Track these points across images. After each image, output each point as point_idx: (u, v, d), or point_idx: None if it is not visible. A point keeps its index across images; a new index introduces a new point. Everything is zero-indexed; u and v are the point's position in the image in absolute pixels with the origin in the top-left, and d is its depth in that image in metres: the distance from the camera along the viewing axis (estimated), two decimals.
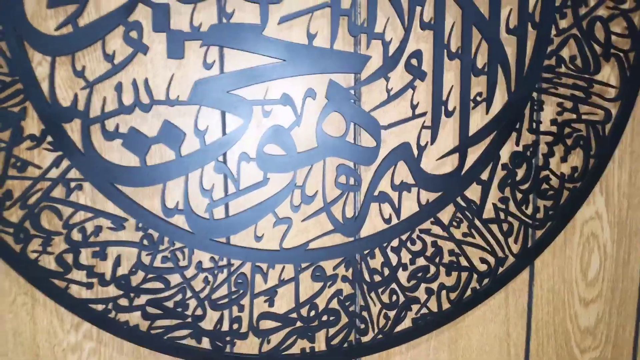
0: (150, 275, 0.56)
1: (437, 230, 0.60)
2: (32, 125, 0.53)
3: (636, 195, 0.63)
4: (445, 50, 0.57)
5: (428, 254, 0.60)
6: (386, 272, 0.59)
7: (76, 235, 0.54)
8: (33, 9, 0.51)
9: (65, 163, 0.53)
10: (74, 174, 0.54)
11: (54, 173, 0.53)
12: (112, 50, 0.52)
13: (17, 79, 0.52)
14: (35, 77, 0.52)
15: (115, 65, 0.53)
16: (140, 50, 0.53)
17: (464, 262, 0.60)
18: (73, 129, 0.53)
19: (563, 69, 0.59)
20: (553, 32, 0.58)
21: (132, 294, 0.56)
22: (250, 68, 0.54)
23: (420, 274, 0.60)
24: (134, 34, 0.52)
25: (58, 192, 0.54)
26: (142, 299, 0.56)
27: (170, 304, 0.56)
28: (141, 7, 0.52)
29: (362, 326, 0.60)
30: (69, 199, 0.54)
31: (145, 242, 0.55)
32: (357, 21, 0.55)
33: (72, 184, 0.54)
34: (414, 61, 0.57)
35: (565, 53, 0.59)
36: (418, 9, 0.55)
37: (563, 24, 0.58)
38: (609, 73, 0.60)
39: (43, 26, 0.52)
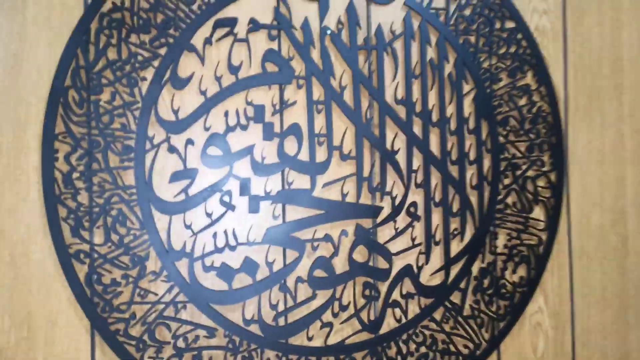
0: None
1: (433, 325, 0.84)
2: (152, 264, 0.75)
3: (565, 295, 0.91)
4: (432, 201, 0.84)
5: (427, 343, 0.84)
6: (399, 359, 0.82)
7: (180, 343, 0.75)
8: (158, 182, 0.75)
9: (175, 290, 0.75)
10: (181, 297, 0.75)
11: (166, 298, 0.75)
12: (211, 210, 0.76)
13: (145, 232, 0.74)
14: (157, 230, 0.75)
15: (213, 220, 0.76)
16: (230, 209, 0.77)
17: (452, 348, 0.85)
18: (181, 266, 0.76)
19: (509, 211, 0.87)
20: (500, 186, 0.87)
21: None
22: (303, 219, 0.79)
23: (422, 359, 0.83)
24: (226, 198, 0.77)
25: (169, 311, 0.75)
26: None
27: None
28: (232, 179, 0.77)
29: None
30: (177, 317, 0.75)
31: (230, 345, 0.76)
32: (373, 184, 0.82)
33: (179, 305, 0.75)
34: (412, 209, 0.84)
35: (509, 200, 0.87)
36: (413, 175, 0.83)
37: (506, 181, 0.87)
38: (538, 212, 0.89)
39: (164, 195, 0.75)
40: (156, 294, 0.75)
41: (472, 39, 0.86)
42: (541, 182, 0.89)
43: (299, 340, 0.79)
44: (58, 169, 0.72)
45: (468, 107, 0.86)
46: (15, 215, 0.72)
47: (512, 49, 0.88)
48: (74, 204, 0.72)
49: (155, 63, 0.75)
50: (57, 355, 0.72)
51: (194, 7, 0.76)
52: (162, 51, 0.75)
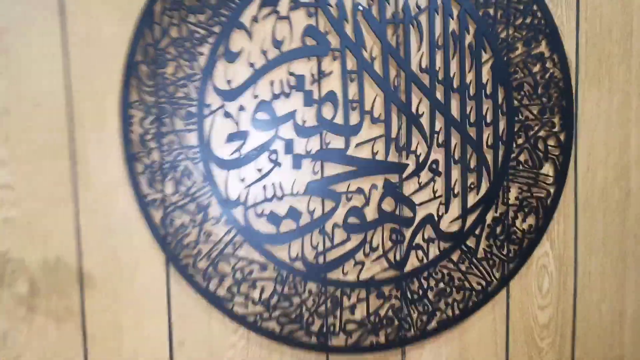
0: (282, 298, 0.92)
1: (450, 265, 0.97)
2: (213, 210, 0.90)
3: (569, 241, 1.02)
4: (452, 159, 0.96)
5: (445, 280, 0.97)
6: (420, 292, 0.97)
7: (238, 275, 0.91)
8: (216, 143, 0.89)
9: (233, 232, 0.90)
10: (238, 238, 0.90)
11: (226, 238, 0.90)
12: (261, 166, 0.90)
13: (206, 184, 0.89)
14: (216, 183, 0.89)
15: (262, 175, 0.90)
16: (277, 166, 0.90)
17: (467, 285, 0.98)
18: (237, 212, 0.90)
19: (521, 167, 0.98)
20: (514, 145, 0.98)
21: (271, 310, 0.92)
22: (338, 174, 0.92)
23: (441, 293, 0.97)
24: (273, 156, 0.90)
25: (228, 249, 0.90)
26: (276, 313, 0.92)
27: (293, 315, 0.93)
28: (278, 140, 0.90)
29: (407, 326, 0.97)
30: (235, 254, 0.90)
31: (278, 278, 0.92)
32: (400, 144, 0.94)
33: (236, 245, 0.90)
34: (434, 166, 0.96)
35: (522, 157, 0.98)
36: (435, 136, 0.95)
37: (519, 141, 0.98)
38: (548, 168, 1.00)
39: (221, 153, 0.89)
40: (218, 235, 0.90)
41: (491, 11, 0.95)
42: (551, 142, 0.99)
43: (335, 275, 0.94)
44: (133, 131, 0.86)
45: (486, 74, 0.96)
46: (100, 171, 0.87)
47: (528, 20, 0.96)
48: (148, 160, 0.87)
49: (211, 40, 0.87)
50: (139, 283, 0.89)
51: None
52: (216, 29, 0.87)
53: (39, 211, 0.84)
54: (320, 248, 0.93)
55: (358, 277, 0.94)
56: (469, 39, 0.95)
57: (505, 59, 0.96)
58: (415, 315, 0.97)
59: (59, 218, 0.85)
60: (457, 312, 0.98)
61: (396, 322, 0.96)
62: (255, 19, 0.88)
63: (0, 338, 0.85)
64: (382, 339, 0.96)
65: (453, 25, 0.94)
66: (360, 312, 0.95)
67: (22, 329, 0.86)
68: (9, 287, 0.85)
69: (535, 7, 0.96)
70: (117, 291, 0.88)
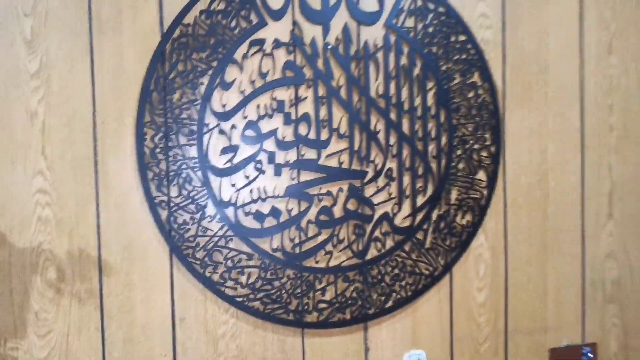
0: (265, 282, 1.12)
1: (403, 255, 1.19)
2: (209, 210, 1.10)
3: (500, 234, 1.25)
4: (403, 167, 1.18)
5: (399, 267, 1.19)
6: (379, 277, 1.18)
7: (229, 263, 1.11)
8: (212, 155, 1.09)
9: (225, 228, 1.10)
10: (229, 233, 1.10)
11: (219, 233, 1.10)
12: (249, 174, 1.11)
13: (204, 188, 1.09)
14: (212, 187, 1.09)
15: (249, 181, 1.11)
16: (261, 173, 1.11)
17: (417, 271, 1.20)
18: (228, 212, 1.10)
19: (460, 174, 1.21)
20: (454, 156, 1.20)
21: (256, 292, 1.12)
22: (312, 180, 1.14)
23: (396, 278, 1.19)
24: (258, 166, 1.11)
25: (221, 242, 1.10)
26: (260, 295, 1.12)
27: (274, 297, 1.13)
28: (262, 153, 1.11)
29: (368, 306, 1.18)
30: (227, 246, 1.10)
31: (262, 265, 1.12)
32: (361, 155, 1.16)
33: (228, 238, 1.10)
34: (389, 173, 1.18)
35: (460, 166, 1.21)
36: (390, 148, 1.17)
37: (458, 152, 1.21)
38: (482, 174, 1.23)
39: (216, 163, 1.09)
40: (212, 230, 1.10)
41: (434, 49, 1.18)
42: (484, 153, 1.22)
43: (309, 263, 1.15)
44: (146, 145, 1.06)
45: (430, 99, 1.19)
46: (118, 178, 1.06)
47: (464, 56, 1.20)
48: (157, 169, 1.07)
49: (210, 72, 1.08)
50: (147, 269, 1.08)
51: (235, 32, 1.09)
52: (214, 64, 1.08)
53: (67, 211, 1.04)
54: (297, 241, 1.14)
55: (328, 264, 1.15)
56: (416, 71, 1.18)
57: (445, 87, 1.19)
58: (375, 296, 1.18)
59: (83, 216, 1.04)
60: (409, 293, 1.20)
61: (359, 302, 1.17)
62: (245, 56, 1.10)
63: (33, 316, 1.03)
64: (347, 316, 1.17)
65: (404, 60, 1.17)
66: (329, 294, 1.16)
67: (51, 309, 1.04)
68: (41, 274, 1.03)
69: (469, 46, 1.20)
70: (129, 276, 1.07)
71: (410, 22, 1.17)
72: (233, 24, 1.09)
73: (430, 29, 1.18)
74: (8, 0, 1.01)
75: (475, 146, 1.22)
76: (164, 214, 1.07)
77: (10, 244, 1.01)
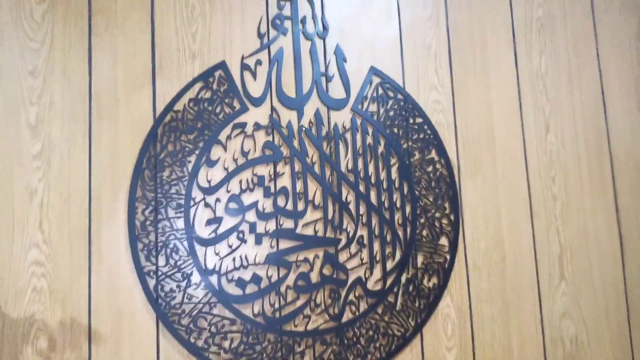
0: (247, 347, 1.18)
1: (376, 317, 1.28)
2: (195, 278, 1.17)
3: (464, 295, 1.36)
4: (373, 235, 1.30)
5: (373, 329, 1.27)
6: (354, 339, 1.25)
7: (213, 329, 1.17)
8: (198, 226, 1.19)
9: (209, 294, 1.17)
10: (213, 299, 1.17)
11: (204, 300, 1.17)
12: (231, 243, 1.20)
13: (190, 257, 1.17)
14: (198, 256, 1.18)
15: (232, 250, 1.20)
16: (243, 242, 1.21)
17: (390, 332, 1.28)
18: (213, 279, 1.18)
19: (424, 240, 1.34)
20: (418, 224, 1.33)
21: (238, 356, 1.17)
22: (290, 247, 1.24)
23: (370, 339, 1.26)
24: (241, 235, 1.21)
25: (205, 308, 1.17)
26: (243, 359, 1.17)
27: (257, 359, 1.19)
28: (244, 223, 1.21)
29: None
30: (211, 312, 1.17)
31: (244, 330, 1.19)
32: (334, 224, 1.28)
33: (212, 305, 1.18)
34: (360, 240, 1.29)
35: (424, 232, 1.34)
36: (360, 217, 1.29)
37: (421, 221, 1.34)
38: (444, 240, 1.35)
39: (202, 234, 1.19)
40: (197, 297, 1.17)
41: (395, 130, 1.35)
42: (444, 221, 1.36)
43: (289, 326, 1.22)
44: (137, 219, 1.15)
45: (394, 173, 1.33)
46: (110, 249, 1.14)
47: (421, 135, 1.37)
48: (147, 240, 1.15)
49: (197, 152, 1.21)
50: (135, 337, 1.13)
51: (220, 117, 1.23)
52: (201, 144, 1.21)
53: (60, 281, 1.10)
54: (277, 305, 1.21)
55: (306, 327, 1.23)
56: (380, 149, 1.33)
57: (407, 162, 1.35)
58: (351, 358, 1.25)
59: (75, 286, 1.11)
60: (383, 354, 1.27)
61: None
62: (229, 137, 1.24)
63: None
64: None
65: (369, 139, 1.33)
66: (308, 356, 1.22)
67: None
68: (32, 344, 1.07)
69: (425, 127, 1.37)
70: (118, 343, 1.12)
71: (373, 107, 1.34)
72: (218, 109, 1.24)
73: (391, 113, 1.35)
74: (18, 90, 1.14)
75: (437, 214, 1.35)
76: (151, 282, 1.15)
77: (4, 315, 1.06)
